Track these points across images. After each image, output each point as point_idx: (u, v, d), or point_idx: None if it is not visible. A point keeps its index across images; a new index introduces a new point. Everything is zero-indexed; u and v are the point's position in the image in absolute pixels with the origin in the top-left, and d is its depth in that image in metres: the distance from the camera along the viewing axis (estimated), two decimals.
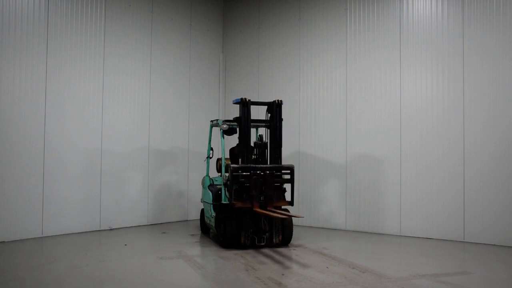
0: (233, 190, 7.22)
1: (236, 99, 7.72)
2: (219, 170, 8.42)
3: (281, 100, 7.78)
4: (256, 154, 8.03)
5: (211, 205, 8.05)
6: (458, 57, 8.30)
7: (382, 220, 9.06)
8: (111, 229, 9.20)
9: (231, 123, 8.04)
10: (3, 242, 7.62)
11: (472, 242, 7.99)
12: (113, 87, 9.40)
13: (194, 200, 10.88)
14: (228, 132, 8.25)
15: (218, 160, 8.46)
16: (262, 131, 8.46)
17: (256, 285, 5.25)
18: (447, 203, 8.32)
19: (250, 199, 7.26)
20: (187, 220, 10.80)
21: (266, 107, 7.88)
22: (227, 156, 8.53)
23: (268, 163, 7.81)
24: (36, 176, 8.15)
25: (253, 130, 8.42)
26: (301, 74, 10.39)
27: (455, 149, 8.29)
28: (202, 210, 9.07)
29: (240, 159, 7.54)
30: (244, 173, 7.28)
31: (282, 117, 7.80)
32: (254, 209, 7.18)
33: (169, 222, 10.41)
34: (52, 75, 8.36)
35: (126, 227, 9.50)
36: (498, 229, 7.78)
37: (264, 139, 8.10)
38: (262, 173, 7.34)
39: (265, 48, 11.11)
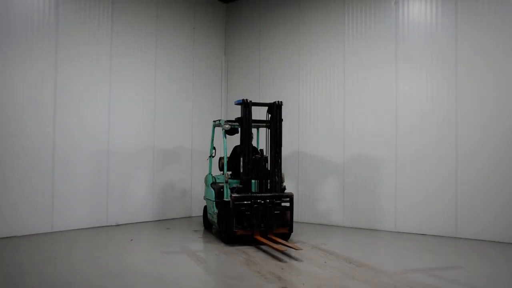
0: (234, 218, 7.17)
1: (238, 100, 7.71)
2: (221, 168, 8.44)
3: (281, 101, 7.76)
4: (255, 162, 7.77)
5: (214, 202, 8.03)
6: (451, 57, 8.34)
7: (378, 217, 9.11)
8: (117, 225, 9.26)
9: (233, 123, 8.01)
10: (15, 236, 7.69)
11: (463, 238, 8.05)
12: (120, 89, 9.46)
13: (197, 198, 10.93)
14: (230, 132, 8.27)
15: (221, 159, 8.46)
16: (263, 131, 8.54)
17: (257, 279, 5.29)
18: (441, 201, 8.37)
19: (251, 227, 7.24)
20: (190, 217, 10.86)
21: (267, 107, 7.88)
22: (229, 155, 8.53)
23: (268, 167, 7.75)
24: (45, 174, 8.21)
25: (254, 131, 8.46)
26: (300, 76, 10.43)
27: (449, 150, 8.33)
28: (205, 207, 9.07)
29: (241, 158, 7.50)
30: (245, 202, 7.24)
31: (282, 118, 7.79)
32: (255, 237, 7.20)
33: (173, 218, 10.46)
34: (61, 77, 8.42)
35: (132, 223, 9.55)
36: (489, 226, 7.83)
37: (264, 153, 8.05)
38: (262, 202, 7.29)
39: (266, 51, 11.15)
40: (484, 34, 8.03)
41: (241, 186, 7.46)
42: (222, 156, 8.40)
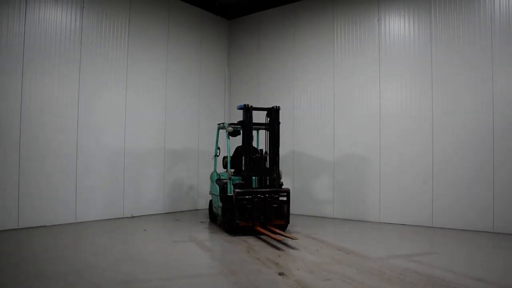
0: (237, 210, 7.18)
1: (240, 105, 7.69)
2: (225, 166, 8.40)
3: (278, 106, 7.75)
4: (255, 160, 7.72)
5: (218, 196, 8.01)
6: (427, 66, 8.42)
7: (364, 210, 9.16)
8: (132, 217, 9.31)
9: (236, 126, 8.01)
10: (45, 226, 7.76)
11: (439, 227, 8.11)
12: (135, 95, 9.52)
13: (202, 193, 10.97)
14: (233, 133, 8.25)
15: (224, 158, 8.44)
16: (262, 133, 8.59)
17: (256, 265, 5.35)
18: (418, 194, 8.43)
19: (252, 219, 7.25)
20: (197, 209, 10.90)
21: (265, 112, 7.88)
22: (232, 154, 8.56)
23: (267, 166, 7.74)
24: (70, 170, 8.29)
25: (254, 133, 8.51)
26: (294, 84, 10.48)
27: (425, 148, 8.40)
28: (211, 201, 9.02)
29: (243, 157, 7.50)
30: (247, 196, 7.27)
31: (280, 121, 7.81)
32: (255, 228, 7.20)
33: (182, 211, 10.51)
34: (83, 86, 8.49)
35: (145, 215, 9.60)
36: (462, 216, 7.90)
37: (264, 152, 8.07)
38: (262, 196, 7.32)
39: (264, 62, 11.20)
40: (455, 44, 8.11)
41: (243, 182, 7.43)
42: (225, 155, 8.44)
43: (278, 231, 7.02)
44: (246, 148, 7.53)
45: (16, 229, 7.37)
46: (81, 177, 8.44)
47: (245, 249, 6.22)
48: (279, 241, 6.56)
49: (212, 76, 11.67)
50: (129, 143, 9.37)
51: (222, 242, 6.83)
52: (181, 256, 5.89)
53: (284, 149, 9.78)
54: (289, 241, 6.63)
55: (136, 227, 8.12)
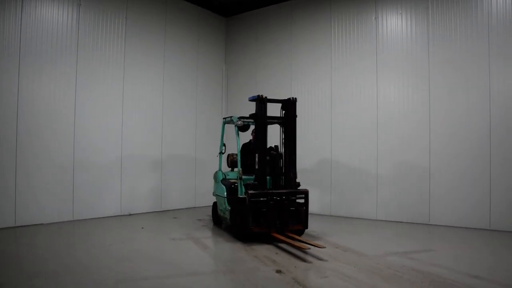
0: (250, 215, 6.34)
1: (253, 96, 6.82)
2: (231, 165, 7.91)
3: (295, 98, 6.95)
4: (272, 157, 6.94)
5: (226, 198, 7.24)
6: (424, 65, 8.44)
7: (361, 207, 9.19)
8: (130, 215, 9.29)
9: (247, 120, 7.20)
10: (42, 224, 7.74)
11: (435, 225, 8.15)
12: (132, 93, 9.50)
13: (199, 191, 10.96)
14: (243, 128, 7.53)
15: (229, 155, 7.92)
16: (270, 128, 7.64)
17: (253, 262, 5.36)
18: (415, 192, 8.46)
19: (267, 223, 6.43)
20: (194, 207, 10.90)
21: (280, 104, 7.03)
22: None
23: (283, 170, 6.90)
24: (67, 170, 8.26)
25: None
26: (292, 79, 10.46)
27: (422, 148, 8.43)
28: (215, 204, 8.26)
29: (257, 155, 6.62)
30: (261, 199, 6.43)
31: (297, 114, 6.99)
32: (272, 234, 6.40)
33: (179, 209, 10.50)
34: (80, 84, 8.46)
35: (142, 213, 9.59)
36: (458, 213, 7.94)
37: (279, 149, 7.15)
38: (278, 198, 6.50)
39: (262, 58, 11.19)
40: (453, 44, 8.13)
41: (256, 182, 6.61)
42: (230, 153, 7.98)
43: (298, 237, 6.31)
44: (261, 145, 6.68)
45: (12, 227, 7.34)
46: (78, 176, 8.40)
47: (243, 247, 6.17)
48: (302, 249, 5.78)
49: (210, 73, 11.63)
50: (126, 140, 9.34)
51: (220, 240, 6.77)
52: (179, 254, 5.87)
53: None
54: (314, 250, 5.83)
55: (134, 225, 8.08)
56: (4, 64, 7.37)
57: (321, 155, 9.83)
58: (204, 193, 10.61)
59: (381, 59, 9.02)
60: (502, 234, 7.21)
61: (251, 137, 8.06)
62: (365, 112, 9.19)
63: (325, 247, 5.82)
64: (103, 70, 8.93)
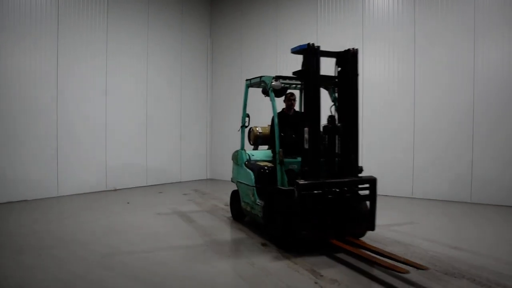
0: (300, 214, 4.48)
1: (301, 46, 4.75)
2: (253, 142, 6.36)
3: (357, 49, 5.01)
4: (328, 131, 5.02)
5: (254, 188, 5.54)
6: (410, 42, 8.41)
7: None
8: (115, 190, 9.26)
9: (287, 81, 5.61)
10: (26, 200, 7.66)
11: (418, 198, 8.31)
12: (116, 68, 9.31)
13: (184, 166, 10.99)
14: (278, 93, 5.69)
15: (252, 129, 6.32)
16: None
17: (240, 233, 5.40)
18: (399, 165, 8.58)
19: (323, 225, 4.68)
20: (180, 182, 10.91)
21: (334, 60, 5.06)
22: (270, 123, 6.08)
23: (339, 150, 5.04)
24: (51, 145, 8.14)
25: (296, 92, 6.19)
26: (278, 52, 10.32)
27: (407, 121, 8.50)
28: (234, 192, 6.47)
29: (307, 129, 4.66)
30: (315, 192, 4.57)
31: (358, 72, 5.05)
32: (332, 241, 4.61)
33: (165, 184, 10.50)
34: (62, 58, 8.24)
35: (128, 188, 9.56)
36: (440, 187, 8.10)
37: (336, 121, 5.06)
38: (338, 191, 4.70)
39: (247, 30, 11.02)
40: (438, 21, 8.10)
41: (306, 168, 4.69)
42: (253, 126, 6.36)
43: (374, 247, 4.55)
44: (313, 115, 4.75)
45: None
46: (62, 151, 8.30)
47: (229, 222, 6.17)
48: (393, 270, 3.72)
49: (195, 48, 11.44)
50: (110, 116, 9.21)
51: (204, 214, 6.80)
52: (165, 227, 5.86)
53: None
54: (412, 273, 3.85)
55: (119, 200, 8.05)
56: None
57: None
58: (189, 167, 10.60)
59: (367, 31, 8.95)
60: (482, 207, 7.40)
61: (283, 106, 6.06)
62: None
63: (429, 269, 3.94)
64: (86, 37, 8.70)
